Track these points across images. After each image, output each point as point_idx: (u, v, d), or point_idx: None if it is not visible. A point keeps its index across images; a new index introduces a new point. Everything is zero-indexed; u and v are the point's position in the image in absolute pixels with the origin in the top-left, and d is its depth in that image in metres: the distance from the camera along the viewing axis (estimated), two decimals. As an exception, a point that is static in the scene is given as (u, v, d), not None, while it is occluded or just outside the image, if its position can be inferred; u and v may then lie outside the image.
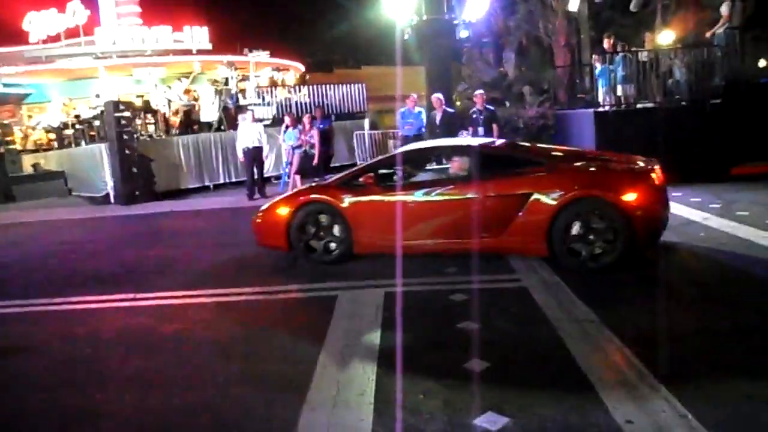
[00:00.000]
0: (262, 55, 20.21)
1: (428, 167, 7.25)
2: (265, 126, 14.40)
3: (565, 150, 7.28)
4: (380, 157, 8.24)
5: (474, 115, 12.03)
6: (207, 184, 15.21)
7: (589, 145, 11.72)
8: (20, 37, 23.85)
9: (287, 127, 13.57)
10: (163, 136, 15.77)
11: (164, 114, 16.36)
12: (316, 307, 5.50)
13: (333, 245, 6.63)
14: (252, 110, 14.23)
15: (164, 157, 14.37)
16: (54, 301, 6.26)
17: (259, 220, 7.02)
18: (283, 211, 6.71)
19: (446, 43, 15.96)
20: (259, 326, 5.13)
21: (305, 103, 17.94)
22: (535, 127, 15.93)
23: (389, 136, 17.72)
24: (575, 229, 5.73)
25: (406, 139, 12.12)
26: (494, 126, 11.91)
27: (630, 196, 5.66)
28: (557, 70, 17.59)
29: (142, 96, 17.96)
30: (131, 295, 6.19)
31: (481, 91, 12.89)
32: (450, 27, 15.80)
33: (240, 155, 13.28)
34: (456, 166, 6.91)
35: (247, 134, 13.18)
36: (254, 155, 13.16)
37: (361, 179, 6.58)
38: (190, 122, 15.99)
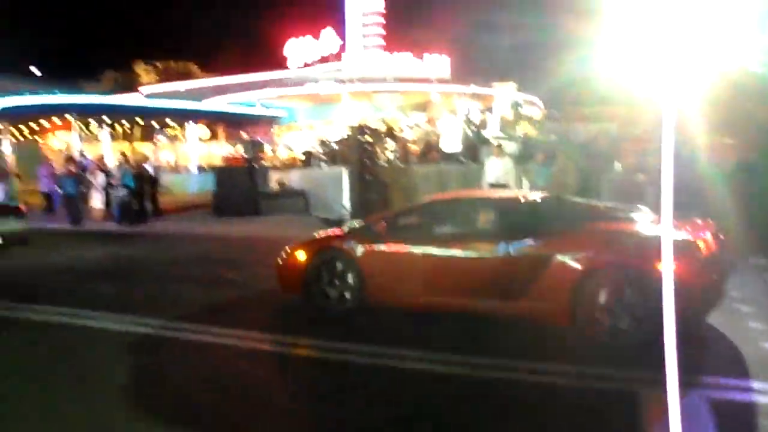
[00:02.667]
0: (509, 88, 19.25)
1: (454, 219, 6.57)
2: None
3: (605, 208, 6.60)
4: (404, 207, 7.56)
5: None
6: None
7: None
8: (280, 63, 26.11)
9: (538, 164, 12.26)
10: (401, 164, 15.42)
11: (405, 141, 16.05)
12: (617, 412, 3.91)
13: (347, 294, 6.19)
14: (500, 144, 13.14)
15: (402, 185, 13.92)
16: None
17: (280, 262, 6.66)
18: (301, 256, 6.45)
19: (734, 79, 13.35)
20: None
21: (550, 141, 16.44)
22: None
23: (647, 182, 15.40)
24: (602, 298, 5.05)
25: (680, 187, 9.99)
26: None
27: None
28: None
29: (385, 122, 18.00)
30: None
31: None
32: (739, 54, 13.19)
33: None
34: (482, 220, 6.29)
35: (494, 169, 12.14)
36: (499, 192, 12.05)
37: (376, 228, 6.27)
38: (430, 151, 15.44)
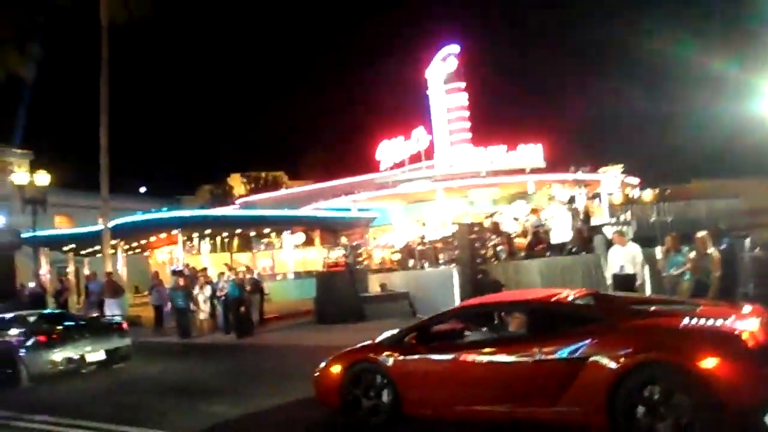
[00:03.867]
0: (614, 171, 18.49)
1: (486, 324, 6.62)
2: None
3: (642, 300, 6.67)
4: (435, 314, 7.09)
5: None
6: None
7: None
8: (373, 166, 26.67)
9: (668, 250, 11.20)
10: (508, 259, 14.72)
11: (509, 235, 15.44)
12: None
13: (381, 407, 6.12)
14: (621, 230, 12.26)
15: (515, 282, 13.11)
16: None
17: (317, 374, 6.69)
18: (336, 369, 6.48)
19: None
20: None
21: (666, 222, 15.36)
22: None
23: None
24: (638, 399, 4.76)
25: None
26: None
27: (708, 363, 4.57)
28: None
29: (490, 217, 17.55)
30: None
31: None
32: None
33: (608, 282, 11.29)
34: (515, 323, 6.32)
35: (618, 258, 11.19)
36: (625, 283, 11.02)
37: (408, 337, 6.32)
38: (538, 243, 14.69)
